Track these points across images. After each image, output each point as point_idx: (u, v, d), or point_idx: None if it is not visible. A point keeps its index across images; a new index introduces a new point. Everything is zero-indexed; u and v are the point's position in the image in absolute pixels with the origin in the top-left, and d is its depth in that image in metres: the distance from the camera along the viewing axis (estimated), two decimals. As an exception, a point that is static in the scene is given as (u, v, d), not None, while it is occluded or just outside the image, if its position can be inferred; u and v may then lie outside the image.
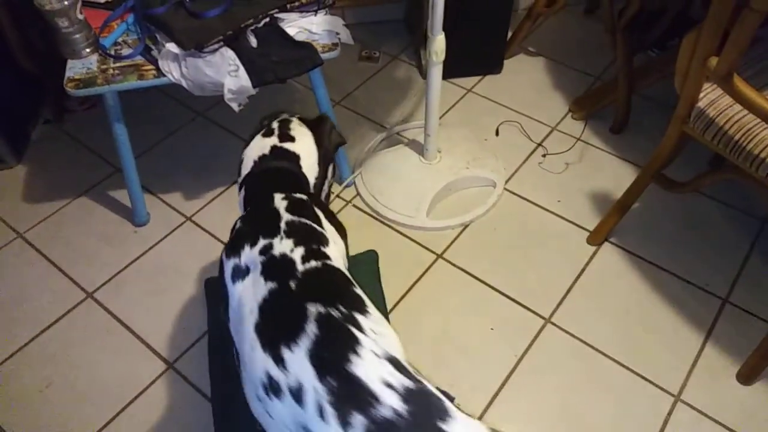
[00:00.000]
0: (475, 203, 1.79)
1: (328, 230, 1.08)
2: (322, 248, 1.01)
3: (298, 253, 0.96)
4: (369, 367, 0.79)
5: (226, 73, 1.39)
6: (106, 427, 1.36)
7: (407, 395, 0.78)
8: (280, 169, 1.15)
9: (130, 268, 1.67)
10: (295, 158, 1.17)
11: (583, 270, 1.64)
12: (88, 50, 1.47)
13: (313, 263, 0.96)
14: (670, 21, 1.94)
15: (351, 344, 0.81)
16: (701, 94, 1.36)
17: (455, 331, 1.52)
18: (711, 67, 1.25)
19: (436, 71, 1.58)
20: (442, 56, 1.54)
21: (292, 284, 0.91)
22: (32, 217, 1.79)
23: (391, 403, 0.76)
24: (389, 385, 0.78)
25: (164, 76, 1.41)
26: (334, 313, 0.86)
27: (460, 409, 1.36)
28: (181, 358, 1.48)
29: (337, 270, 0.99)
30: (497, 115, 2.06)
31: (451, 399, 1.38)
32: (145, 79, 1.42)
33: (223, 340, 1.42)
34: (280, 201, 1.06)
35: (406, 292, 1.60)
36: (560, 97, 2.12)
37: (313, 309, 0.85)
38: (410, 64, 2.28)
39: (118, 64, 1.45)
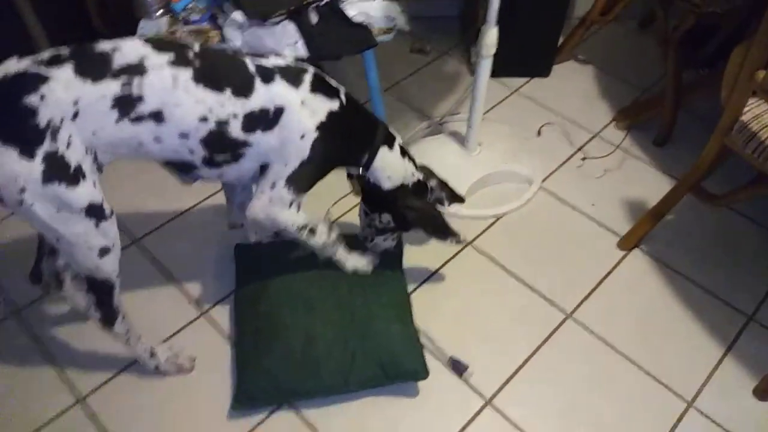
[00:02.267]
0: (510, 198, 1.83)
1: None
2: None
3: None
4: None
5: (286, 45, 1.47)
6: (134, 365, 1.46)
7: None
8: None
9: (175, 219, 1.77)
10: None
11: (609, 272, 1.66)
12: (159, 12, 1.57)
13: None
14: (722, 40, 1.95)
15: None
16: (746, 108, 1.38)
17: (476, 316, 1.56)
18: (758, 80, 1.27)
19: (486, 64, 1.63)
20: (492, 50, 1.59)
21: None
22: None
23: None
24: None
25: (227, 42, 1.50)
26: None
27: (470, 384, 1.41)
28: (213, 308, 1.57)
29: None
30: (541, 117, 2.09)
31: (465, 368, 1.43)
32: (210, 44, 1.51)
33: (247, 299, 1.50)
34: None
35: (432, 274, 1.65)
36: (605, 106, 2.14)
37: None
38: (460, 60, 2.33)
39: (185, 28, 1.54)
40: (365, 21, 1.56)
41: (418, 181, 1.43)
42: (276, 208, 1.25)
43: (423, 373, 1.38)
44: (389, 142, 1.37)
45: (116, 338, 1.32)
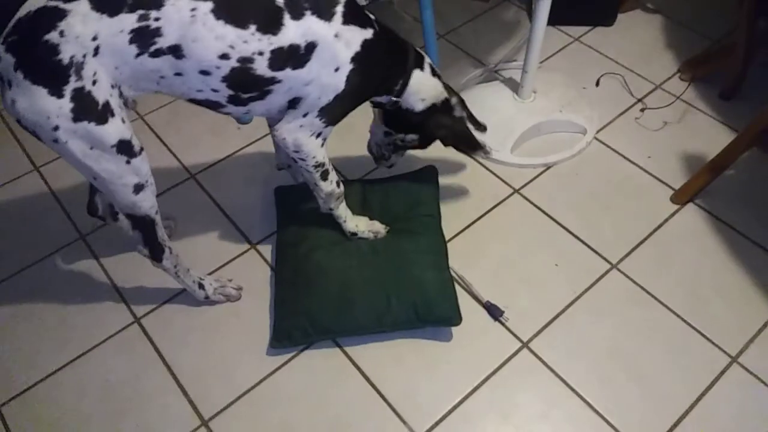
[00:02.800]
0: (562, 147, 1.79)
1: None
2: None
3: None
4: None
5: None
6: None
7: None
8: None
9: (230, 158, 1.83)
10: None
11: (661, 225, 1.62)
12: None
13: None
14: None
15: None
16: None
17: (519, 261, 1.56)
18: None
19: (544, 5, 1.58)
20: (552, -10, 1.54)
21: None
22: (152, 103, 1.99)
23: None
24: None
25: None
26: None
27: (507, 327, 1.42)
28: (262, 242, 1.63)
29: None
30: (601, 67, 2.02)
31: (501, 312, 1.44)
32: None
33: (286, 242, 1.54)
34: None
35: (477, 219, 1.65)
36: (671, 57, 2.05)
37: None
38: (521, 7, 2.27)
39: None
40: (421, -41, 1.54)
41: (446, 99, 1.41)
42: (304, 134, 1.25)
43: (456, 319, 1.39)
44: (420, 63, 1.34)
45: (166, 271, 1.37)
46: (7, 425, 1.33)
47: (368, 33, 1.20)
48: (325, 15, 1.15)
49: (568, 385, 1.35)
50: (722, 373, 1.35)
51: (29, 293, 1.55)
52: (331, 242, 1.49)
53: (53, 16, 1.00)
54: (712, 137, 1.80)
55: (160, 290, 1.53)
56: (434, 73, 1.39)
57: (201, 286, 1.46)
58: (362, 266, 1.44)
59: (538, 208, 1.67)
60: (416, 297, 1.38)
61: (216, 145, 1.86)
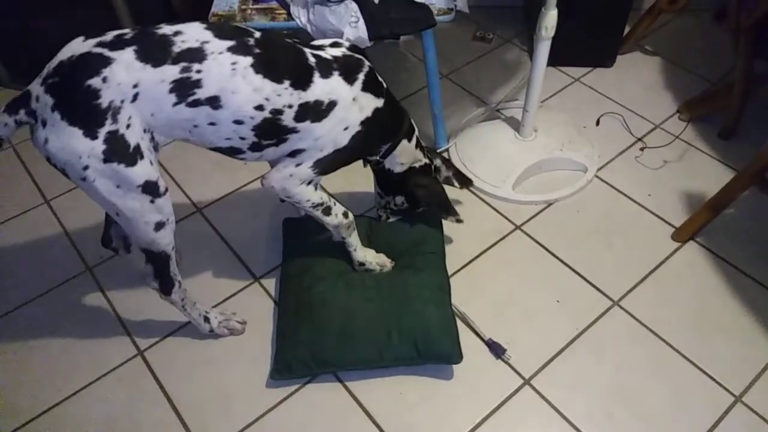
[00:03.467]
0: (563, 184, 1.82)
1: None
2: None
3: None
4: None
5: (347, 23, 1.52)
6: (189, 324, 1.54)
7: None
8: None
9: (236, 192, 1.86)
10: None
11: (662, 262, 1.63)
12: (232, -8, 1.65)
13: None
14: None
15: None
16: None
17: (520, 297, 1.57)
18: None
19: (544, 46, 1.63)
20: (551, 32, 1.58)
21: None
22: (161, 139, 2.03)
23: None
24: None
25: (293, 20, 1.57)
26: None
27: (509, 364, 1.42)
28: (265, 276, 1.64)
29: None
30: (600, 106, 2.06)
31: (503, 350, 1.45)
32: (276, 21, 1.58)
33: (291, 273, 1.56)
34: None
35: (478, 255, 1.67)
36: (670, 98, 2.09)
37: None
38: (522, 49, 2.33)
39: (255, 6, 1.63)
40: (426, 1, 1.59)
41: (425, 164, 1.53)
42: (294, 183, 1.29)
43: (457, 356, 1.39)
44: (410, 134, 1.46)
45: (173, 304, 1.39)
46: (8, 457, 1.34)
47: (380, 102, 1.29)
48: (349, 79, 1.23)
49: (570, 422, 1.34)
50: (726, 412, 1.34)
51: (36, 324, 1.56)
52: (335, 274, 1.51)
53: (98, 63, 1.05)
54: (711, 176, 1.82)
55: (164, 323, 1.54)
56: (417, 144, 1.50)
57: (206, 320, 1.47)
58: (365, 300, 1.45)
59: (540, 245, 1.69)
60: (417, 333, 1.39)
61: (223, 180, 1.89)
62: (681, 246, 1.66)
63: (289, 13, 1.58)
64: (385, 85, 1.33)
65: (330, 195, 1.41)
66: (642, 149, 1.91)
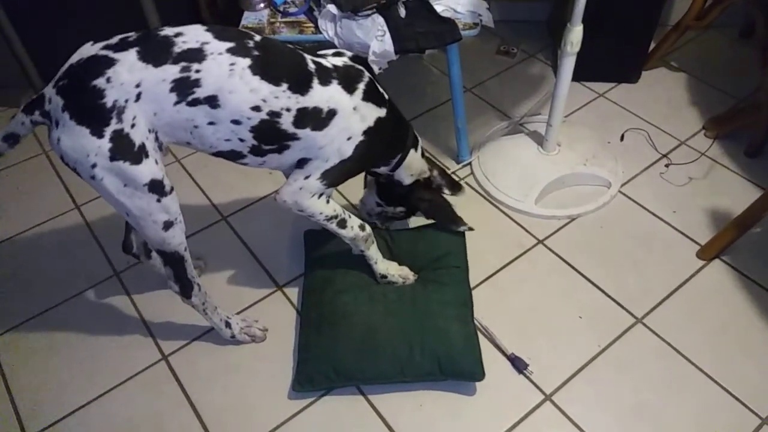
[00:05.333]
0: (587, 200, 1.81)
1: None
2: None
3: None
4: None
5: (374, 36, 1.55)
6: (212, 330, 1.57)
7: None
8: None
9: (260, 201, 1.89)
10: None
11: (686, 280, 1.61)
12: (262, 5, 1.69)
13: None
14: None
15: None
16: None
17: (542, 312, 1.56)
18: None
19: (569, 62, 1.64)
20: (576, 47, 1.59)
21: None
22: (186, 149, 2.06)
23: None
24: None
25: (320, 33, 1.59)
26: None
27: (531, 379, 1.42)
28: (288, 285, 1.66)
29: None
30: (625, 122, 2.06)
31: (525, 365, 1.44)
32: (304, 34, 1.61)
33: (313, 286, 1.57)
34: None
35: (500, 269, 1.67)
36: (696, 114, 2.08)
37: None
38: (546, 63, 2.33)
39: (284, 20, 1.66)
40: (452, 16, 1.61)
41: (429, 176, 1.55)
42: (305, 196, 1.31)
43: (479, 374, 1.38)
44: (416, 144, 1.49)
45: (194, 308, 1.41)
46: (35, 458, 1.36)
47: (382, 112, 1.31)
48: (349, 88, 1.25)
49: (591, 440, 1.33)
50: (752, 434, 1.33)
51: (63, 326, 1.59)
52: (358, 287, 1.52)
53: (103, 64, 1.09)
54: (737, 194, 1.81)
55: (188, 329, 1.56)
56: (423, 154, 1.53)
57: (228, 325, 1.49)
58: (387, 313, 1.45)
59: (563, 260, 1.68)
60: (440, 350, 1.39)
61: (247, 189, 1.92)
62: (706, 264, 1.65)
63: (316, 27, 1.61)
64: (386, 96, 1.34)
65: (344, 209, 1.42)
66: (667, 165, 1.90)
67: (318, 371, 1.40)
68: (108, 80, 1.08)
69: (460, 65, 1.71)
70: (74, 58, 1.12)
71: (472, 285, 1.58)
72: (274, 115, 1.18)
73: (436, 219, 1.60)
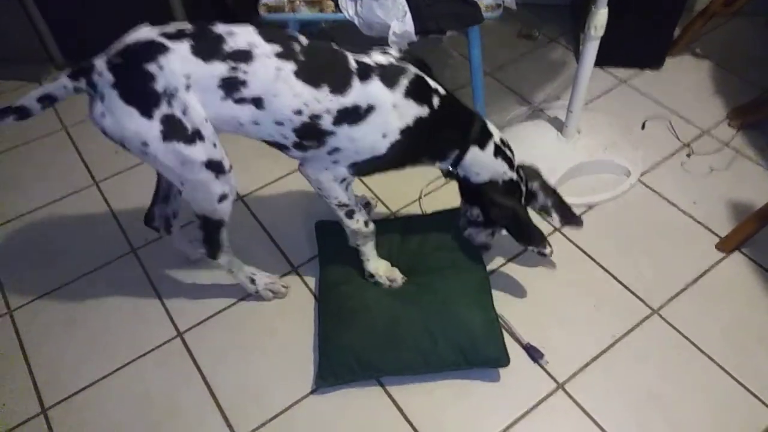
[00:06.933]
0: (605, 188, 1.79)
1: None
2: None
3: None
4: None
5: (395, 17, 1.53)
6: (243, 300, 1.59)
7: None
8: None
9: (276, 182, 1.89)
10: None
11: (705, 272, 1.59)
12: (281, -17, 1.67)
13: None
14: None
15: None
16: None
17: (557, 301, 1.55)
18: None
19: (592, 46, 1.61)
20: (600, 31, 1.56)
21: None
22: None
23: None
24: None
25: (341, 12, 1.58)
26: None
27: (546, 369, 1.41)
28: (303, 265, 1.67)
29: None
30: (647, 110, 2.03)
31: (541, 355, 1.44)
32: (324, 13, 1.59)
33: (330, 280, 1.55)
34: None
35: (516, 256, 1.65)
36: (720, 103, 2.04)
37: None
38: (568, 48, 2.29)
39: (303, -1, 1.64)
40: (473, -2, 1.58)
41: (511, 180, 1.43)
42: (328, 177, 1.32)
43: (504, 360, 1.38)
44: (482, 142, 1.38)
45: (220, 268, 1.46)
46: (52, 429, 1.38)
47: (424, 110, 1.26)
48: (390, 83, 1.22)
49: (602, 429, 1.33)
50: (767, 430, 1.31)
51: (80, 301, 1.61)
52: (376, 281, 1.51)
53: (157, 50, 1.11)
54: (759, 186, 1.78)
55: (204, 306, 1.58)
56: (499, 153, 1.40)
57: (252, 281, 1.54)
58: (408, 305, 1.45)
59: (579, 248, 1.67)
60: (463, 338, 1.39)
61: (264, 169, 1.92)
62: (725, 256, 1.62)
63: (337, 6, 1.59)
64: (442, 92, 1.30)
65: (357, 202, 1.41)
66: (689, 155, 1.87)
67: (341, 363, 1.40)
68: (160, 67, 1.11)
69: (481, 48, 1.69)
70: (131, 38, 1.14)
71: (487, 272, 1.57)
72: (316, 117, 1.20)
73: (510, 232, 1.47)
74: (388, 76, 1.22)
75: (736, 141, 1.90)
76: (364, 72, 1.21)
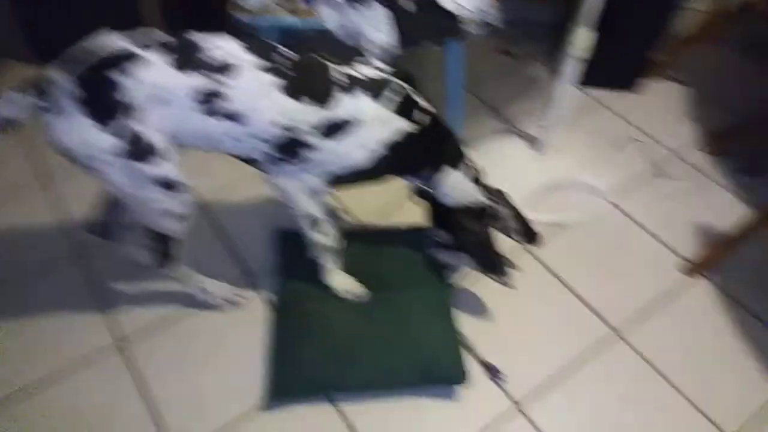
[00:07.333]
0: (576, 207, 1.77)
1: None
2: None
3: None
4: None
5: (378, 28, 1.49)
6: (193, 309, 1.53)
7: None
8: None
9: (231, 183, 1.82)
10: None
11: (670, 297, 1.58)
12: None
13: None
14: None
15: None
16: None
17: (521, 322, 1.53)
18: None
19: (571, 63, 1.60)
20: (581, 52, 1.55)
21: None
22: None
23: None
24: None
25: (323, 21, 1.54)
26: None
27: (503, 388, 1.38)
28: (260, 276, 1.61)
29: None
30: (621, 131, 2.02)
31: (498, 373, 1.41)
32: (303, 20, 1.55)
33: (289, 296, 1.50)
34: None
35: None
36: (693, 128, 2.04)
37: None
38: (547, 67, 2.29)
39: (282, 4, 1.60)
40: (458, 12, 1.56)
41: (481, 203, 1.40)
42: (298, 188, 1.27)
43: (461, 377, 1.35)
44: (456, 161, 1.36)
45: (169, 277, 1.38)
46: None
47: (408, 125, 1.23)
48: (374, 96, 1.19)
49: (559, 453, 1.30)
50: (722, 459, 1.30)
51: (15, 306, 1.52)
52: (338, 297, 1.47)
53: (124, 58, 1.04)
54: (728, 212, 1.77)
55: (149, 314, 1.51)
56: (474, 180, 1.38)
57: (204, 291, 1.48)
58: (366, 321, 1.41)
59: (546, 267, 1.65)
60: (421, 354, 1.35)
61: (220, 169, 1.80)
62: (691, 281, 1.61)
63: (318, 14, 1.56)
64: (428, 109, 1.27)
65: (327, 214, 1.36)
66: (660, 178, 1.87)
67: (293, 379, 1.35)
68: (125, 75, 1.04)
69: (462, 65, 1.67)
70: (92, 45, 1.07)
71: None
72: (298, 132, 1.16)
73: (474, 258, 1.43)
74: (373, 88, 1.19)
75: (708, 167, 1.90)
76: (349, 84, 1.17)
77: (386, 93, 1.20)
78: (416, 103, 1.26)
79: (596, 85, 2.16)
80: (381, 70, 1.24)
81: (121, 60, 1.04)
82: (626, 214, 1.78)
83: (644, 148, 1.96)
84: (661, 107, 2.12)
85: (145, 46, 1.06)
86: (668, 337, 1.50)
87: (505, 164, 1.85)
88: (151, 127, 1.08)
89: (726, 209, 1.79)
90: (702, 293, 1.59)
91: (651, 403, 1.38)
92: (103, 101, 1.05)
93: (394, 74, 1.24)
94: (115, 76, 1.04)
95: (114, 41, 1.07)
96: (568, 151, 1.86)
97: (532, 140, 1.87)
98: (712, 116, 2.08)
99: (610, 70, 2.11)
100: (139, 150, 1.09)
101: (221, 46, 1.10)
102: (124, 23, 1.13)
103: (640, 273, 1.63)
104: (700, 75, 2.23)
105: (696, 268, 1.62)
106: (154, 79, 1.05)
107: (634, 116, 2.08)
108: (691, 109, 2.12)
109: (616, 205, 1.80)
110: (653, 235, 1.72)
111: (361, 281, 1.50)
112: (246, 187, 1.82)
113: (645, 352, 1.47)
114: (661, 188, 1.85)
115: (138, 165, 1.10)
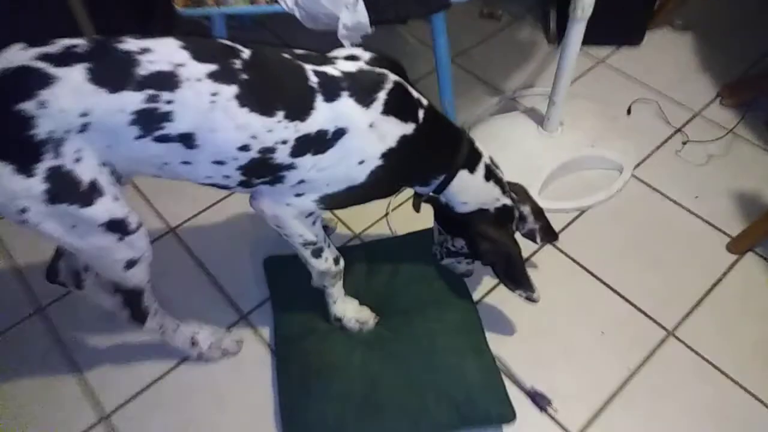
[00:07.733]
0: (597, 187, 1.57)
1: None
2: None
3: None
4: None
5: (344, 6, 1.24)
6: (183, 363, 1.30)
7: None
8: None
9: (213, 207, 1.58)
10: None
11: (719, 280, 1.40)
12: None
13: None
14: None
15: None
16: None
17: (559, 329, 1.33)
18: None
19: (578, 29, 1.38)
20: (588, 11, 1.33)
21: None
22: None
23: None
24: None
25: (277, 3, 1.28)
26: None
27: (556, 419, 1.19)
28: (254, 311, 1.38)
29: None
30: (631, 92, 1.81)
31: (548, 401, 1.21)
32: (257, 5, 1.30)
33: (287, 331, 1.30)
34: None
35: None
36: (709, 80, 1.84)
37: None
38: (535, 27, 2.05)
39: (234, -13, 1.33)
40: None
41: (504, 206, 1.19)
42: (290, 214, 1.05)
43: (509, 414, 1.15)
44: (471, 164, 1.13)
45: (150, 334, 1.20)
46: None
47: (409, 128, 1.00)
48: (364, 100, 0.95)
49: (631, 489, 1.12)
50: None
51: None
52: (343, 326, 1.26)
53: (35, 82, 0.81)
54: (764, 170, 1.59)
55: (133, 377, 1.28)
56: (490, 176, 1.16)
57: (194, 343, 1.27)
58: (385, 359, 1.20)
59: (575, 261, 1.44)
60: (456, 392, 1.15)
61: (200, 193, 1.56)
62: (739, 259, 1.43)
63: (271, -6, 1.29)
64: (425, 103, 1.04)
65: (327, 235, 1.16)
66: (684, 142, 1.67)
67: None
68: (41, 104, 0.81)
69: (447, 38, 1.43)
70: None
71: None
72: (268, 151, 0.93)
73: (496, 270, 1.21)
74: (361, 88, 0.95)
75: (732, 122, 1.70)
76: (330, 87, 0.94)
77: (378, 92, 0.96)
78: (413, 98, 1.02)
79: (596, 43, 1.93)
80: (365, 60, 1.00)
81: (31, 84, 0.81)
82: (654, 189, 1.58)
83: (659, 108, 1.75)
84: (669, 60, 1.91)
85: (60, 62, 0.82)
86: (727, 328, 1.32)
87: (510, 147, 1.62)
88: (82, 162, 0.87)
89: (761, 167, 1.61)
90: (755, 271, 1.41)
91: (724, 410, 1.20)
92: (15, 140, 0.82)
93: (378, 64, 1.00)
94: (23, 105, 0.80)
95: (19, 57, 0.82)
96: (579, 124, 1.64)
97: (536, 115, 1.64)
98: (724, 64, 1.88)
99: (609, 23, 1.87)
100: (77, 192, 0.88)
101: (158, 51, 0.86)
102: (50, 23, 0.87)
103: (680, 256, 1.45)
104: (705, 18, 2.02)
105: (743, 243, 1.44)
106: (77, 106, 0.82)
107: (642, 73, 1.87)
108: (701, 58, 1.91)
109: (641, 180, 1.60)
110: (687, 210, 1.53)
111: (368, 305, 1.29)
112: (225, 206, 1.59)
113: (703, 350, 1.29)
114: (686, 153, 1.65)
115: (80, 210, 0.89)
